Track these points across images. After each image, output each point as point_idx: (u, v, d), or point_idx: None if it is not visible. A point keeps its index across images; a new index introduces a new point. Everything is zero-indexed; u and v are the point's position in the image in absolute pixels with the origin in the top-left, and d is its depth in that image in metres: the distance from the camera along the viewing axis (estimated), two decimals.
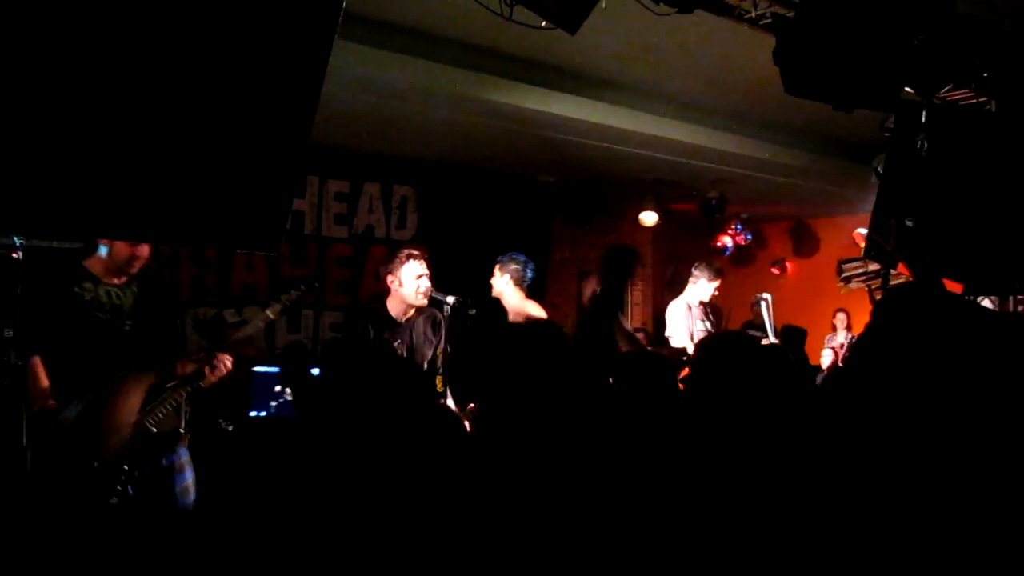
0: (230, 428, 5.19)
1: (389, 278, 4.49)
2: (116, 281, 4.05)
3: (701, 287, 6.03)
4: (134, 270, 4.05)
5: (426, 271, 4.44)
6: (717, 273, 6.08)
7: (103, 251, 4.00)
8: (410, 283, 4.40)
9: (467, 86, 5.22)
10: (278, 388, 3.71)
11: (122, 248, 4.00)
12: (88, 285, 3.97)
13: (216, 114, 2.30)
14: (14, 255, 3.85)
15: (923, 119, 3.68)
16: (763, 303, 6.38)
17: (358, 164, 7.33)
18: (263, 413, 3.69)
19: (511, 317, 4.83)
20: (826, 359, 8.13)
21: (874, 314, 2.01)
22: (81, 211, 2.20)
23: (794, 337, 3.99)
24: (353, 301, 7.27)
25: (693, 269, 6.17)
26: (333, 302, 7.32)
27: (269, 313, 4.28)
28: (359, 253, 7.44)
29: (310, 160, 6.61)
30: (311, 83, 2.39)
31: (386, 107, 5.61)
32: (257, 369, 3.64)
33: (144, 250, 4.04)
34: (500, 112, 5.63)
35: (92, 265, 4.03)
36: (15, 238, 3.97)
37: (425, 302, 4.47)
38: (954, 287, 3.55)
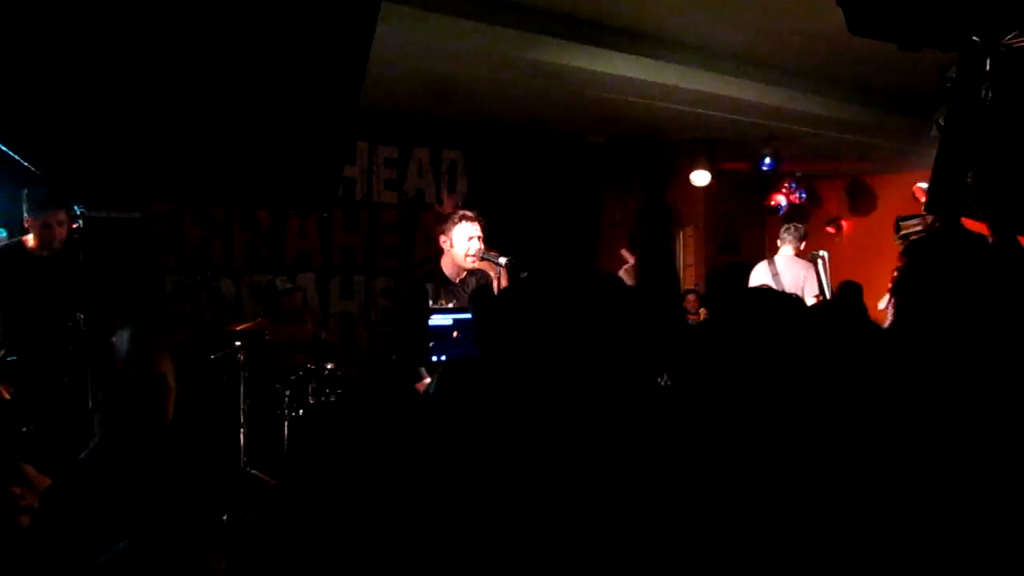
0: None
1: (442, 238, 4.53)
2: (47, 253, 4.60)
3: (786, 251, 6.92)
4: (55, 243, 4.61)
5: (478, 232, 4.47)
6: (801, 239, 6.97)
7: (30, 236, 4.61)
8: (461, 244, 4.43)
9: (514, 46, 5.16)
10: (455, 335, 3.99)
11: (38, 225, 4.59)
12: (24, 258, 4.57)
13: (268, 80, 2.32)
14: (75, 224, 4.15)
15: (988, 67, 3.55)
16: (819, 261, 6.29)
17: (407, 129, 7.34)
18: (443, 357, 3.98)
19: None
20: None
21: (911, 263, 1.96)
22: (141, 180, 2.23)
23: (852, 293, 3.90)
24: (403, 266, 7.33)
25: (782, 232, 7.07)
26: (384, 266, 7.39)
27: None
28: (410, 218, 7.48)
29: (360, 126, 6.63)
30: (359, 47, 2.38)
31: (434, 70, 5.58)
32: (433, 322, 3.94)
33: (63, 227, 4.63)
34: (548, 72, 5.57)
35: (27, 241, 4.64)
36: (77, 207, 4.14)
37: (474, 264, 4.50)
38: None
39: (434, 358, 3.98)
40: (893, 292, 2.00)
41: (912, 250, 2.02)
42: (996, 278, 1.86)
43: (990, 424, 1.62)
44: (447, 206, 7.28)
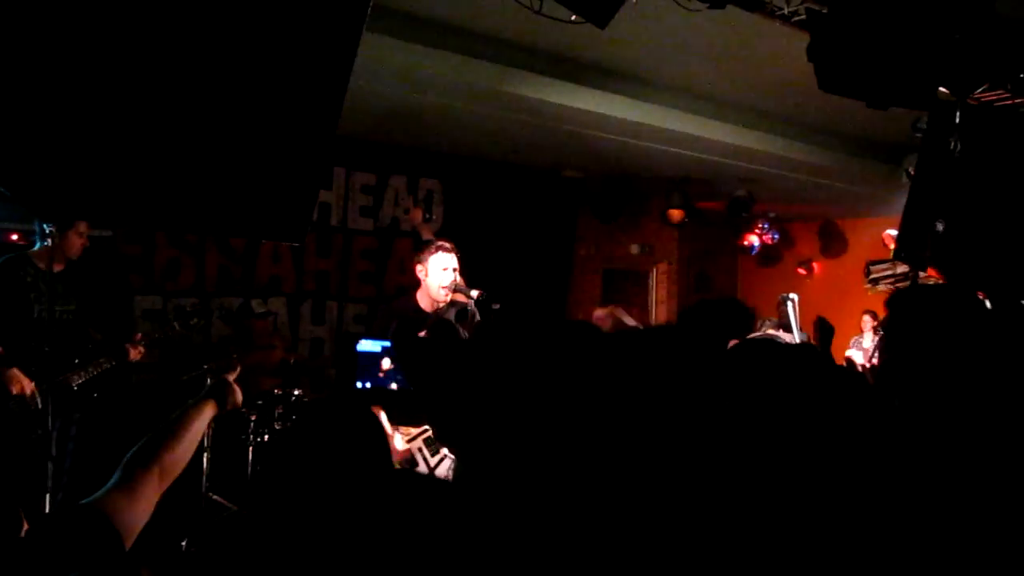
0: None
1: (419, 268, 4.50)
2: (57, 267, 4.57)
3: None
4: (74, 254, 4.67)
5: (454, 264, 4.45)
6: None
7: (48, 241, 4.48)
8: (436, 274, 4.40)
9: (495, 80, 5.20)
10: (384, 364, 3.97)
11: (70, 236, 4.59)
12: (31, 271, 4.53)
13: (245, 107, 2.31)
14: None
15: (957, 120, 3.62)
16: (789, 303, 6.33)
17: (384, 157, 7.35)
18: (368, 384, 3.94)
19: None
20: (857, 358, 8.05)
21: (892, 312, 1.99)
22: (113, 201, 2.21)
23: (825, 332, 3.93)
24: (378, 293, 7.30)
25: None
26: (357, 294, 7.35)
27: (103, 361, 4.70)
28: (384, 246, 7.47)
29: (337, 152, 6.63)
30: (339, 76, 2.39)
31: (413, 100, 5.61)
32: (361, 348, 3.90)
33: (83, 238, 4.68)
34: (527, 107, 5.61)
35: (35, 254, 4.59)
36: (45, 224, 4.12)
37: (447, 297, 4.47)
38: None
39: (359, 384, 3.97)
40: (880, 344, 2.03)
41: (896, 301, 2.05)
42: (979, 330, 1.90)
43: (988, 475, 1.64)
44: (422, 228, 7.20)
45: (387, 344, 3.95)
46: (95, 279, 4.96)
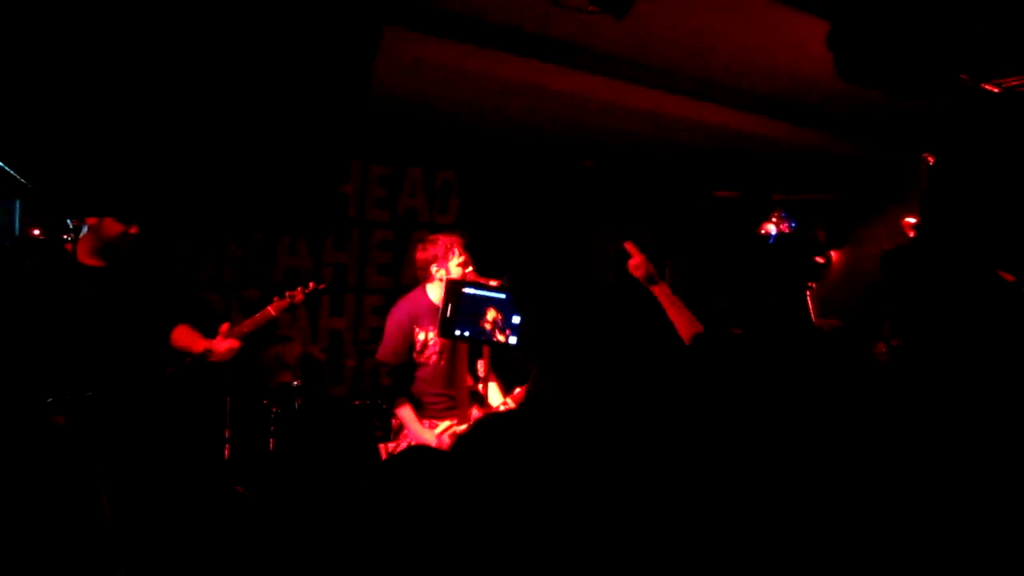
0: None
1: (434, 267, 4.50)
2: (99, 263, 4.01)
3: None
4: (124, 246, 4.01)
5: (467, 258, 4.47)
6: None
7: (86, 229, 3.95)
8: (456, 272, 4.42)
9: (513, 70, 5.20)
10: (490, 315, 3.77)
11: (112, 225, 3.91)
12: (72, 270, 3.93)
13: (265, 102, 2.32)
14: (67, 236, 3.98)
15: (978, 107, 3.59)
16: (806, 292, 6.33)
17: (401, 149, 7.36)
18: (467, 333, 3.76)
19: None
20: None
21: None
22: (133, 196, 2.23)
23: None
24: (395, 284, 7.33)
25: None
26: (374, 285, 7.38)
27: (271, 310, 4.45)
28: (401, 237, 7.49)
29: (354, 145, 6.64)
30: (360, 69, 2.40)
31: (430, 92, 5.61)
32: (468, 291, 3.71)
33: (134, 227, 3.95)
34: (545, 96, 5.61)
35: (76, 248, 3.97)
36: (67, 219, 4.07)
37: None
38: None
39: (457, 332, 3.74)
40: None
41: (888, 260, 2.05)
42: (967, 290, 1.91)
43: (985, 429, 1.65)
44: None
45: (498, 295, 3.74)
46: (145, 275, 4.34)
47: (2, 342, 3.78)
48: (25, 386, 3.77)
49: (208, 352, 4.25)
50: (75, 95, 2.09)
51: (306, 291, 4.77)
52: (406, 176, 7.51)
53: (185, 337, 4.27)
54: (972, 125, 3.50)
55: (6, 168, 2.30)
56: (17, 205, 4.69)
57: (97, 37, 2.09)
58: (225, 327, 4.39)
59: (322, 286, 4.90)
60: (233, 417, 5.30)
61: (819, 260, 10.83)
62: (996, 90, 3.44)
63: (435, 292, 4.52)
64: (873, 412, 1.60)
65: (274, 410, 5.31)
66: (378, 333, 7.19)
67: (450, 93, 5.64)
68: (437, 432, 4.39)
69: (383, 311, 7.23)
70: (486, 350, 4.41)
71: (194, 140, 2.31)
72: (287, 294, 4.72)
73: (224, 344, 4.31)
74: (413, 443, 4.40)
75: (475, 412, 4.54)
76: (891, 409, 1.64)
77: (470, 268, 4.47)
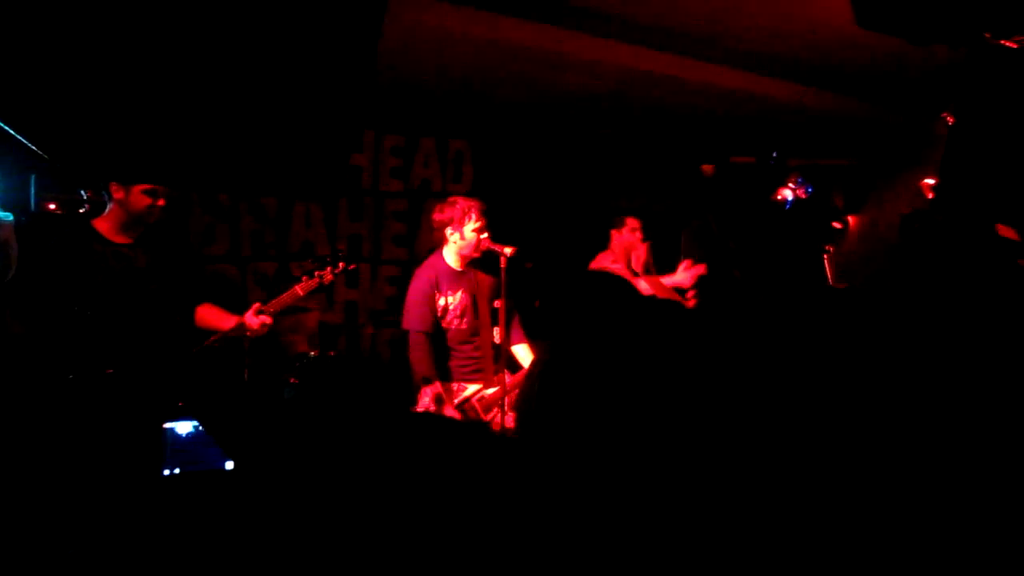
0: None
1: (449, 231, 4.52)
2: (126, 239, 3.99)
3: None
4: (152, 220, 3.98)
5: (483, 224, 4.49)
6: None
7: (112, 204, 3.91)
8: (471, 237, 4.44)
9: (527, 37, 5.16)
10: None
11: (139, 198, 3.86)
12: (97, 246, 3.90)
13: (278, 70, 2.32)
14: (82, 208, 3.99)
15: (1000, 63, 3.53)
16: (823, 256, 6.29)
17: (414, 118, 7.33)
18: (176, 471, 4.18)
19: None
20: None
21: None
22: (149, 161, 2.24)
23: None
24: (410, 255, 7.33)
25: None
26: (389, 256, 7.39)
27: (299, 289, 4.45)
28: (415, 207, 7.48)
29: (366, 115, 6.63)
30: (368, 36, 2.38)
31: (443, 60, 5.57)
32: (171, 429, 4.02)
33: (161, 199, 3.90)
34: (557, 63, 5.56)
35: (100, 224, 3.96)
36: (81, 190, 4.07)
37: (478, 254, 4.52)
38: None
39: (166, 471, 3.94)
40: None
41: (907, 225, 2.04)
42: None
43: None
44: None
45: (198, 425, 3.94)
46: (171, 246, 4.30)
47: (34, 325, 3.81)
48: (58, 367, 3.80)
49: (241, 326, 4.29)
50: (86, 64, 2.10)
51: (335, 271, 4.72)
52: (419, 146, 7.49)
53: (211, 316, 4.32)
54: (991, 82, 3.43)
55: (24, 140, 2.31)
56: (32, 181, 4.67)
57: (109, 9, 2.09)
58: (257, 305, 4.43)
59: (352, 266, 4.83)
60: (249, 384, 5.34)
61: (836, 225, 10.75)
62: (1015, 46, 3.37)
63: (451, 255, 4.54)
64: (885, 377, 1.60)
65: (292, 380, 5.34)
66: (394, 302, 7.27)
67: (460, 61, 5.59)
68: (466, 394, 4.42)
69: (398, 282, 7.28)
70: (501, 316, 4.43)
71: (206, 110, 2.31)
72: (316, 274, 4.66)
73: (257, 320, 4.36)
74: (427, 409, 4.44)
75: (507, 378, 4.53)
76: (903, 376, 1.64)
77: (485, 234, 4.49)
